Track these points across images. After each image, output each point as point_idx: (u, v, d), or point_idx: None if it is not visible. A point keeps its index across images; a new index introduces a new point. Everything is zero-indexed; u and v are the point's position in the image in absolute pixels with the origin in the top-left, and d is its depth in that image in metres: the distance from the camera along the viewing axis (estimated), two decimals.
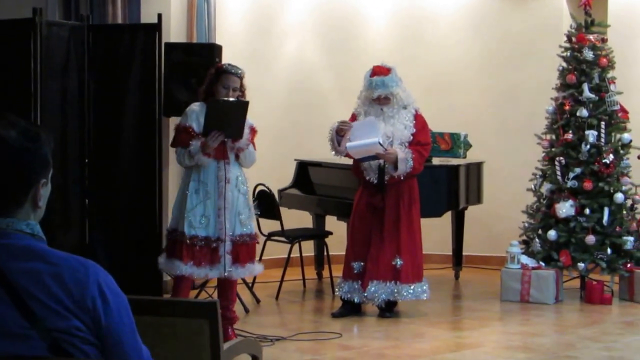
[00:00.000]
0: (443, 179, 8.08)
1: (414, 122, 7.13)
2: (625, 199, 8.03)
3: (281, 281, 8.01)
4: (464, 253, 9.03)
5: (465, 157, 8.57)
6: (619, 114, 8.15)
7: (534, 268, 7.86)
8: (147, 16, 7.70)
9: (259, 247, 6.79)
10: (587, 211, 7.95)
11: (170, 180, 8.02)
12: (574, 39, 8.26)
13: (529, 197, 8.41)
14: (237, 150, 6.20)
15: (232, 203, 6.18)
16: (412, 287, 7.12)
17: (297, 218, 8.66)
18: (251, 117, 6.22)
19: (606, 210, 7.94)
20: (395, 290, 7.09)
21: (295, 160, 8.79)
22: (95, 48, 7.09)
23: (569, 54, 8.26)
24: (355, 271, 7.19)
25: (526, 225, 8.32)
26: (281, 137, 8.95)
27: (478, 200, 8.70)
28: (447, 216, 8.63)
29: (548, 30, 9.35)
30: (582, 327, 7.02)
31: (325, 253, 8.44)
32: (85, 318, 2.20)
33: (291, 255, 8.09)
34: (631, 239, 7.95)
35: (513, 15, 9.72)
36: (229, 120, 6.04)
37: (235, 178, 6.24)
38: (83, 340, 2.21)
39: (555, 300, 7.82)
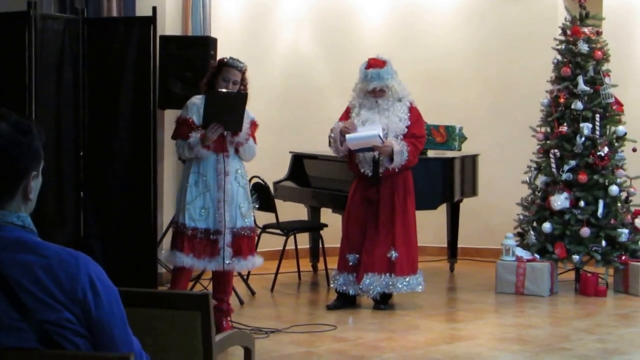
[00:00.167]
0: (438, 171, 8.08)
1: (409, 114, 7.13)
2: (620, 191, 8.03)
3: (276, 273, 8.01)
4: (459, 245, 9.02)
5: (460, 150, 8.56)
6: (614, 107, 8.15)
7: (528, 260, 7.86)
8: (142, 9, 7.68)
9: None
10: (581, 204, 7.95)
11: (165, 173, 8.04)
12: (568, 32, 8.26)
13: (524, 190, 8.41)
14: (236, 145, 6.21)
15: (231, 196, 6.20)
16: (407, 280, 7.13)
17: (292, 210, 8.67)
18: (246, 110, 6.21)
19: (601, 203, 7.94)
20: (390, 283, 7.09)
21: (291, 152, 8.79)
22: (90, 41, 7.06)
23: (563, 46, 8.26)
24: (350, 263, 7.19)
25: (521, 217, 8.31)
26: (276, 130, 8.94)
27: (473, 192, 8.71)
28: (442, 208, 8.62)
29: (543, 23, 9.33)
30: (577, 319, 7.02)
31: (320, 245, 8.44)
32: (75, 310, 2.21)
33: (286, 248, 8.10)
34: (626, 231, 7.96)
35: (508, 8, 9.71)
36: (228, 113, 6.04)
37: (235, 171, 6.25)
38: (74, 332, 2.22)
39: (550, 293, 7.83)
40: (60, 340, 2.21)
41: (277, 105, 9.30)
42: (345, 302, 7.28)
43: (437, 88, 9.63)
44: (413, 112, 7.17)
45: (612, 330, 6.68)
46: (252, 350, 3.60)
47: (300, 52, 9.64)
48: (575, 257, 7.91)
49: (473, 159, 8.65)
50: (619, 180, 8.05)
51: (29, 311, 2.18)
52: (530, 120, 8.47)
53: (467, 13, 9.87)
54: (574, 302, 7.72)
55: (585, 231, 7.85)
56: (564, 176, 8.02)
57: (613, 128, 8.16)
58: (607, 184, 7.98)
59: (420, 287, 7.23)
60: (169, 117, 7.90)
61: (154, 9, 7.10)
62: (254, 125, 6.34)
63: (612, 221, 7.95)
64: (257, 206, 6.73)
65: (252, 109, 6.36)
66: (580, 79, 8.08)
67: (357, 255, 7.17)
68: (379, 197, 7.10)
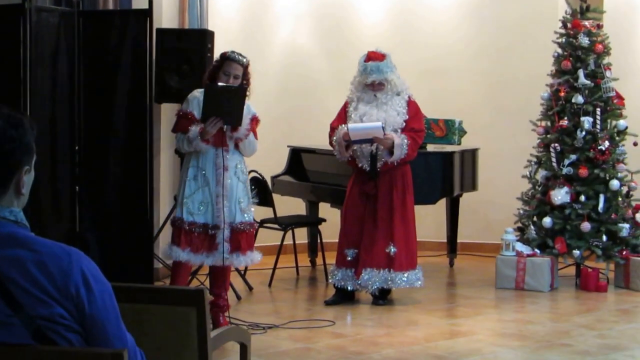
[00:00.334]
0: (437, 165, 8.06)
1: (407, 108, 7.11)
2: (621, 185, 8.01)
3: (274, 268, 8.00)
4: (458, 240, 9.02)
5: (459, 144, 8.55)
6: (615, 101, 8.13)
7: (528, 255, 7.84)
8: (138, 2, 7.64)
9: None
10: (582, 198, 7.93)
11: (162, 167, 8.00)
12: (569, 25, 8.23)
13: (524, 184, 8.38)
14: (235, 140, 6.18)
15: (230, 191, 6.17)
16: (405, 275, 7.10)
17: (290, 205, 8.66)
18: (248, 105, 6.19)
19: (602, 197, 7.93)
20: (389, 278, 7.06)
21: (289, 146, 8.77)
22: (86, 34, 6.99)
23: (564, 40, 8.23)
24: (349, 259, 7.16)
25: (521, 212, 8.30)
26: (274, 124, 8.90)
27: (473, 187, 8.69)
28: (442, 203, 8.61)
29: (543, 15, 9.29)
30: (577, 315, 7.00)
31: (318, 240, 8.42)
32: (68, 305, 2.21)
33: (284, 243, 8.09)
34: (627, 226, 7.94)
35: (508, 1, 9.65)
36: (227, 107, 6.01)
37: (235, 166, 6.23)
38: (67, 327, 2.22)
39: (550, 288, 7.80)
40: (53, 336, 2.20)
41: (275, 99, 9.26)
42: (344, 297, 7.25)
43: (437, 82, 9.60)
44: (411, 106, 7.14)
45: (613, 326, 6.66)
46: (248, 346, 3.58)
47: (299, 46, 9.62)
48: (576, 252, 7.89)
49: (473, 153, 8.63)
50: (619, 175, 8.03)
51: (21, 307, 2.18)
52: (531, 114, 8.44)
53: (467, 6, 9.84)
54: (574, 297, 7.69)
55: (585, 226, 7.83)
56: (565, 170, 8.00)
57: (614, 122, 8.14)
58: (608, 178, 7.96)
59: (420, 283, 7.20)
60: (166, 110, 7.93)
61: (150, 1, 7.04)
62: (255, 120, 6.31)
63: (613, 216, 7.93)
64: (257, 201, 6.71)
65: (249, 102, 6.31)
66: (581, 73, 8.05)
67: (355, 251, 7.14)
68: (377, 191, 7.07)
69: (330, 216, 8.43)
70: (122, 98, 7.01)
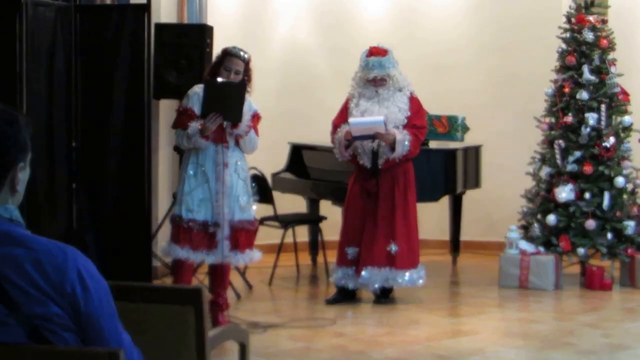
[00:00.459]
0: (440, 162, 8.03)
1: (409, 105, 7.07)
2: (626, 183, 7.96)
3: (274, 267, 7.96)
4: (461, 238, 9.00)
5: (462, 141, 8.52)
6: (620, 97, 8.08)
7: (532, 254, 7.80)
8: None
9: None
10: (587, 195, 7.88)
11: (161, 164, 7.96)
12: (573, 20, 8.19)
13: (528, 181, 8.33)
14: (236, 137, 6.14)
15: (230, 188, 6.12)
16: (407, 273, 7.05)
17: (290, 202, 8.62)
18: (249, 101, 6.15)
19: (606, 195, 7.88)
20: (390, 277, 7.01)
21: (289, 143, 8.73)
22: (83, 29, 6.99)
23: (568, 35, 8.19)
24: (349, 257, 7.11)
25: (525, 210, 8.26)
26: (274, 120, 8.82)
27: (476, 184, 8.65)
28: (445, 201, 8.59)
29: (547, 10, 9.23)
30: (582, 314, 6.98)
31: (319, 238, 8.39)
32: (64, 304, 2.20)
33: (284, 241, 8.06)
34: (632, 223, 7.89)
35: None
36: (227, 102, 5.98)
37: (235, 163, 6.18)
38: (63, 326, 2.21)
39: (555, 287, 7.75)
40: (49, 335, 2.20)
41: (275, 95, 9.22)
42: (345, 296, 7.21)
43: (439, 78, 9.55)
44: (413, 102, 7.10)
45: (618, 325, 6.62)
46: (247, 345, 3.56)
47: (299, 41, 9.59)
48: (581, 250, 7.84)
49: (476, 150, 8.60)
50: (625, 172, 7.99)
51: (16, 305, 2.17)
52: (535, 111, 8.39)
53: (470, 1, 9.78)
54: (579, 296, 7.66)
55: (590, 224, 7.79)
56: (569, 167, 7.96)
57: (619, 118, 8.09)
58: (612, 175, 7.91)
59: (421, 281, 7.16)
60: (164, 107, 7.89)
61: None
62: (256, 117, 6.26)
63: (618, 213, 7.89)
64: (257, 199, 6.69)
65: (251, 99, 6.26)
66: (585, 68, 8.01)
67: (356, 249, 7.10)
68: (379, 189, 7.02)
69: (332, 214, 8.39)
70: (120, 94, 7.02)
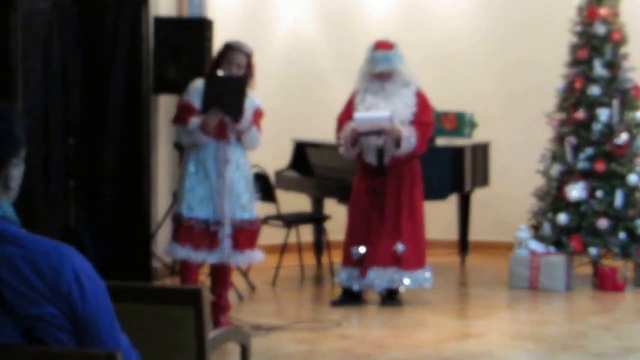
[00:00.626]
0: (448, 160, 8.01)
1: (416, 101, 7.01)
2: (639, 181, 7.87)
3: (278, 267, 7.91)
4: (470, 239, 8.97)
5: (471, 138, 8.53)
6: (633, 92, 8.00)
7: (543, 254, 7.75)
8: None
9: None
10: (599, 194, 7.83)
11: (160, 161, 7.91)
12: (585, 14, 8.13)
13: (539, 180, 8.27)
14: (238, 133, 6.05)
15: (231, 186, 6.04)
16: (414, 274, 6.99)
17: (294, 201, 8.58)
18: (251, 97, 6.09)
19: (619, 193, 7.81)
20: (396, 278, 6.95)
21: (293, 140, 8.69)
22: (80, 23, 7.00)
23: (579, 28, 8.13)
24: (355, 258, 7.01)
25: (535, 209, 8.20)
26: (278, 117, 8.85)
27: (485, 182, 8.66)
28: (453, 200, 8.59)
29: (558, 4, 9.11)
30: (594, 315, 6.95)
31: (324, 238, 8.37)
32: (60, 304, 2.19)
33: (288, 241, 8.04)
34: None
35: None
36: (228, 97, 5.91)
37: (237, 160, 6.10)
38: (59, 327, 2.19)
39: (566, 288, 7.70)
40: (45, 336, 2.18)
41: (278, 91, 9.19)
42: (351, 298, 7.13)
43: (447, 73, 9.53)
44: (420, 98, 7.05)
45: (631, 327, 6.59)
46: (249, 347, 3.54)
47: (302, 35, 9.59)
48: (593, 251, 7.79)
49: (485, 147, 8.60)
50: (638, 169, 7.92)
51: (11, 306, 2.16)
52: (545, 107, 8.32)
53: None
54: (591, 297, 7.62)
55: (602, 223, 7.74)
56: (581, 165, 7.92)
57: (632, 114, 8.01)
58: (625, 173, 7.84)
59: (428, 283, 7.10)
60: (163, 102, 7.87)
61: None
62: (258, 113, 6.18)
63: (631, 212, 7.83)
64: (259, 196, 6.59)
65: (253, 95, 6.22)
66: (596, 63, 7.95)
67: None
68: (385, 188, 6.95)
69: (337, 213, 8.34)
70: (118, 89, 7.07)
